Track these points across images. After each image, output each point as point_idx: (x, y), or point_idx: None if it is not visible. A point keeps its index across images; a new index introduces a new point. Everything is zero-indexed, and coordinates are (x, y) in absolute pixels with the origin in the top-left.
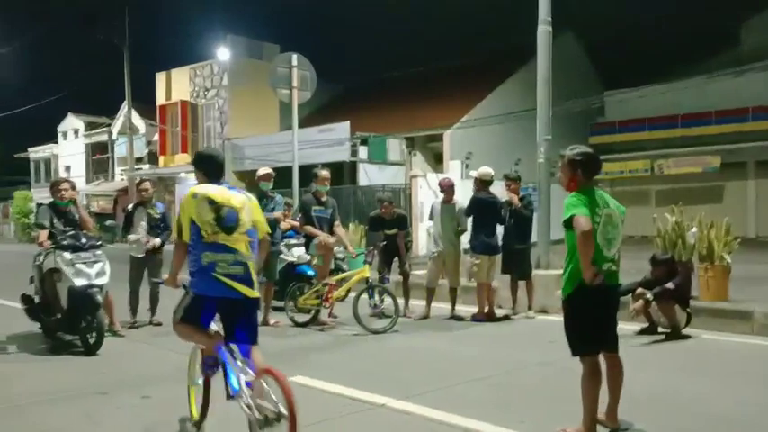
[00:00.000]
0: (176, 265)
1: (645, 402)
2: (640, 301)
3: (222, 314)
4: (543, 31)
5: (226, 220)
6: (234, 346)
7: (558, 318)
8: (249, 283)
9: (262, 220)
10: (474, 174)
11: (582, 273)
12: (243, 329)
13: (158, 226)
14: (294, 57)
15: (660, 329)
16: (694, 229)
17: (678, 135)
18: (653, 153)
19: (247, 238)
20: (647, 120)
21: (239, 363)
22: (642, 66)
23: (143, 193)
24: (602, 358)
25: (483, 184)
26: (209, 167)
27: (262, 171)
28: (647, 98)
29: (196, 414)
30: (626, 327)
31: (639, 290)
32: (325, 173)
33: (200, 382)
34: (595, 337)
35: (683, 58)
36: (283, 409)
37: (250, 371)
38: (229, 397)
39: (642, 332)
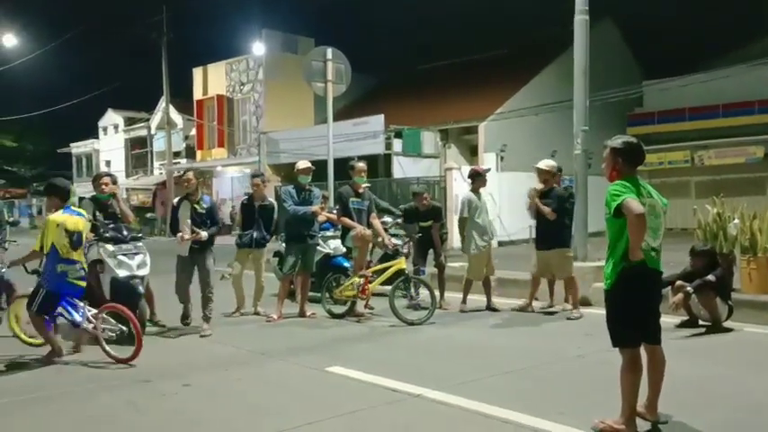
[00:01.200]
0: (24, 260)
1: (685, 395)
2: (680, 295)
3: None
4: (580, 20)
5: (75, 243)
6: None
7: (595, 310)
8: (84, 279)
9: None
10: (543, 166)
11: (629, 255)
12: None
13: (204, 222)
14: (329, 50)
15: (700, 322)
16: (736, 221)
17: (719, 125)
18: (693, 144)
19: (83, 249)
20: (687, 110)
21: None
22: (681, 54)
23: (186, 185)
24: (642, 351)
25: (553, 176)
26: (64, 195)
27: (302, 164)
28: (687, 87)
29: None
30: (665, 320)
31: (679, 282)
32: (362, 165)
33: None
34: (638, 328)
35: (724, 46)
36: (124, 327)
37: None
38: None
39: (682, 325)
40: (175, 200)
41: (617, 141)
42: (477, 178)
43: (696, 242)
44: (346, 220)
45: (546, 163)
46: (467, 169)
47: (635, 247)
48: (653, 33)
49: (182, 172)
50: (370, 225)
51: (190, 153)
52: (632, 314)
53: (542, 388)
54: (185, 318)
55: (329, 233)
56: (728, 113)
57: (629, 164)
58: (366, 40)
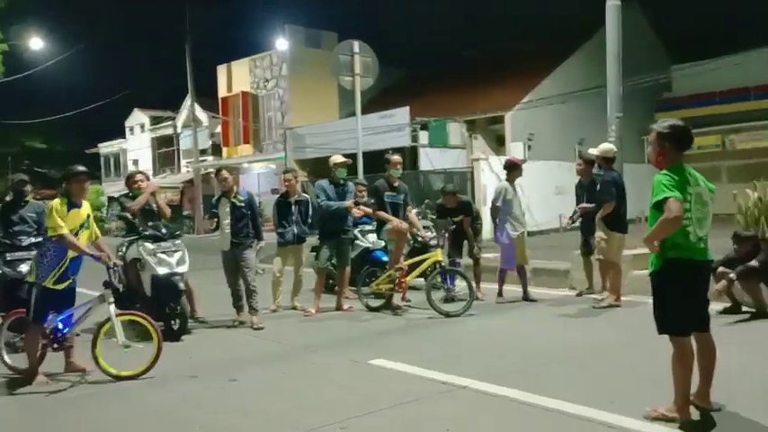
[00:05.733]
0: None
1: (734, 383)
2: (723, 281)
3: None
4: (612, 5)
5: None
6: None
7: (633, 298)
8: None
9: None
10: (594, 151)
11: (644, 240)
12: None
13: (245, 215)
14: (356, 44)
15: (744, 309)
16: None
17: (751, 108)
18: (724, 128)
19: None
20: (717, 93)
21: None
22: (710, 37)
23: (223, 183)
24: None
25: (607, 161)
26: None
27: (338, 159)
28: (718, 71)
29: None
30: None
31: (721, 269)
32: (397, 157)
33: None
34: (684, 317)
35: (754, 28)
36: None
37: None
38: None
39: (725, 312)
40: (214, 198)
41: (663, 125)
42: (514, 169)
43: (737, 228)
44: (382, 214)
45: (603, 148)
46: (494, 159)
47: (652, 238)
48: (679, 16)
49: (209, 170)
50: (406, 218)
51: (216, 150)
52: (678, 304)
53: (589, 377)
54: (238, 300)
55: (368, 227)
56: (760, 96)
57: (677, 149)
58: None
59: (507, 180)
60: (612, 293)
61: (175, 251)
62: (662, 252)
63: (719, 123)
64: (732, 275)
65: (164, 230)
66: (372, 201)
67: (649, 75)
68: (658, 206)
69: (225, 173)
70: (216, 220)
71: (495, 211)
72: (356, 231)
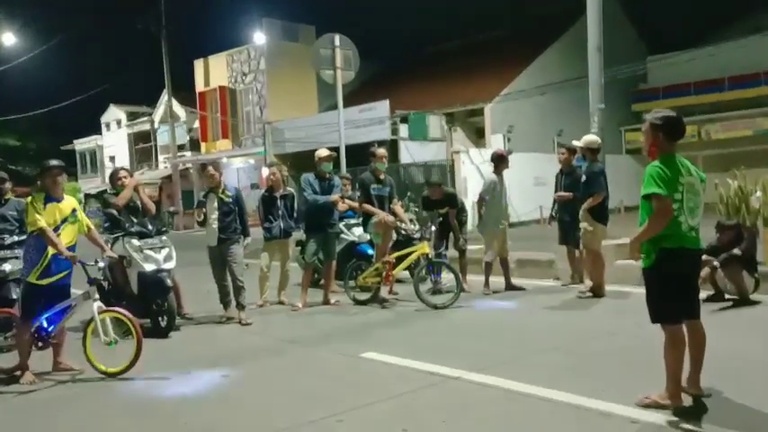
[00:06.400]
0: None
1: (722, 368)
2: (707, 269)
3: None
4: None
5: None
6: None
7: (617, 287)
8: None
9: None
10: (578, 144)
11: (659, 239)
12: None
13: (232, 210)
14: (336, 37)
15: (727, 296)
16: (759, 194)
17: (726, 98)
18: (700, 118)
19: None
20: (692, 84)
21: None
22: (684, 27)
23: (210, 179)
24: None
25: (593, 152)
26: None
27: (323, 152)
28: (692, 62)
29: None
30: None
31: (704, 257)
32: (382, 151)
33: None
34: (680, 304)
35: (727, 17)
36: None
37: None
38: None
39: (708, 300)
40: (201, 193)
41: (656, 116)
42: (501, 161)
43: (720, 217)
44: (368, 207)
45: (588, 140)
46: (474, 152)
47: (638, 240)
48: (655, 7)
49: (187, 165)
50: (391, 211)
51: (194, 146)
52: (672, 292)
53: (579, 366)
54: (225, 296)
55: (353, 221)
56: (734, 86)
57: (670, 139)
58: (366, 25)
59: (494, 172)
60: (597, 283)
61: (162, 247)
62: (655, 242)
63: (695, 114)
64: (715, 263)
65: (150, 227)
66: (358, 194)
67: (626, 66)
68: (647, 198)
69: (211, 169)
70: (204, 211)
71: (482, 203)
72: (341, 225)
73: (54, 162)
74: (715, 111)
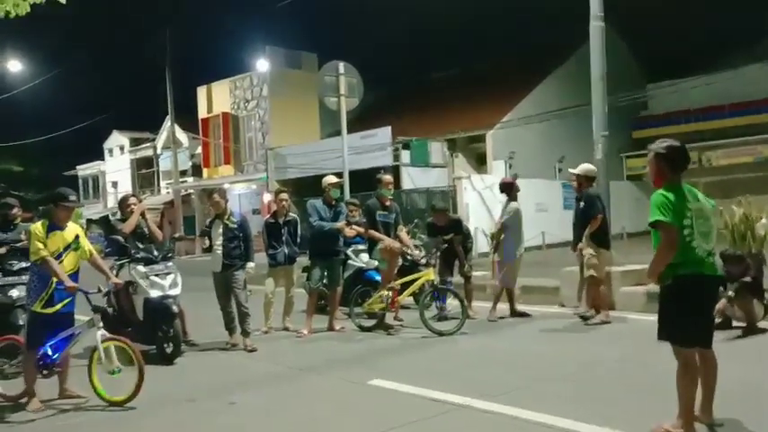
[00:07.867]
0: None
1: (734, 397)
2: (723, 300)
3: None
4: (596, 26)
5: None
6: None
7: (622, 314)
8: None
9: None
10: (575, 171)
11: (676, 266)
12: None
13: (237, 236)
14: (341, 65)
15: (735, 324)
16: (764, 220)
17: (726, 125)
18: (700, 145)
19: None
20: (692, 111)
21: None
22: (685, 56)
23: (215, 206)
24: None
25: (588, 180)
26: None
27: (332, 179)
28: (693, 90)
29: None
30: None
31: None
32: (388, 177)
33: None
34: (694, 331)
35: (728, 46)
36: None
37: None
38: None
39: (716, 327)
40: (207, 221)
41: (661, 146)
42: (511, 188)
43: (727, 245)
44: (374, 233)
45: (584, 168)
46: (476, 178)
47: (654, 269)
48: (654, 36)
49: (189, 191)
50: (397, 237)
51: (196, 171)
52: (686, 315)
53: (588, 394)
54: (230, 323)
55: (360, 247)
56: (735, 113)
57: (674, 168)
58: (369, 53)
59: (509, 200)
60: (603, 310)
61: (168, 273)
62: (672, 269)
63: (696, 141)
64: (730, 293)
65: (156, 253)
66: (364, 220)
67: (626, 93)
68: (654, 226)
69: (217, 196)
70: (207, 240)
71: (501, 231)
72: (349, 251)
73: (73, 198)
74: (716, 137)
